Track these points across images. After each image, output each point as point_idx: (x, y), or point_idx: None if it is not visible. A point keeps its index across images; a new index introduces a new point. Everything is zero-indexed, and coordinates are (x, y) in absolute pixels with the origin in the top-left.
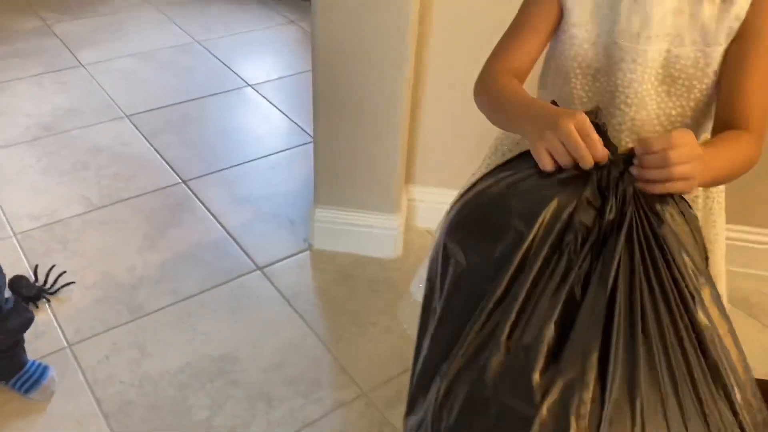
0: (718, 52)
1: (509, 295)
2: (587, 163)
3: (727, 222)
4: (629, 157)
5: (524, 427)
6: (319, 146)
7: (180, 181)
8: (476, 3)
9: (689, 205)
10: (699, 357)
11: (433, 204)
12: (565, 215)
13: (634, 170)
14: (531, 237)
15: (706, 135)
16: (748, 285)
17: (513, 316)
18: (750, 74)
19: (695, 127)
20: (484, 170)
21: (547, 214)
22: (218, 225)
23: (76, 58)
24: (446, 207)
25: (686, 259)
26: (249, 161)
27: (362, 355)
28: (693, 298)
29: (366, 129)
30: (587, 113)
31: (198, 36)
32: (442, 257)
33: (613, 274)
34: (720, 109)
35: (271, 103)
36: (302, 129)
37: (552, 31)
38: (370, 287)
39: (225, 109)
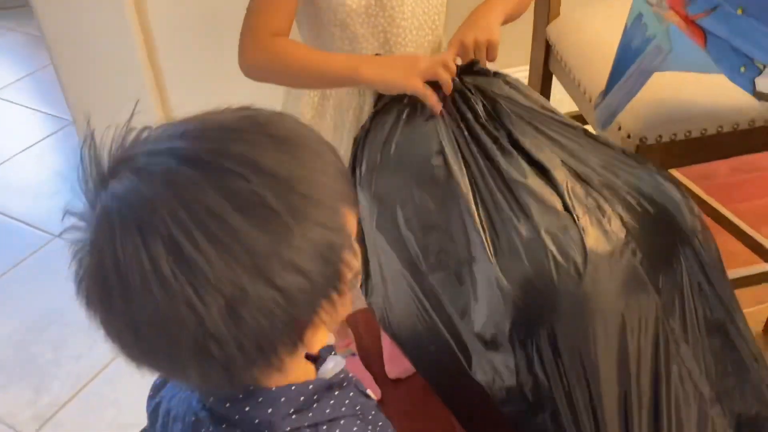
0: None
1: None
2: (453, 73)
3: None
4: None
5: None
6: (78, 119)
7: None
8: None
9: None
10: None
11: None
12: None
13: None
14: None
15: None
16: None
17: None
18: None
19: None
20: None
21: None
22: (1, 216)
23: None
24: None
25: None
26: (13, 156)
27: None
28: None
29: (113, 84)
30: None
31: None
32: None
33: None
34: None
35: (16, 103)
36: (54, 116)
37: None
38: None
39: None
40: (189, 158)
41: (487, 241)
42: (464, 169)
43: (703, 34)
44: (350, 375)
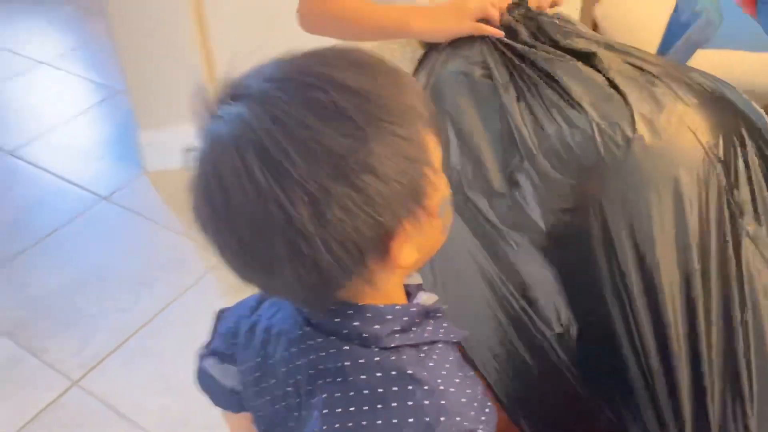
0: None
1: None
2: (502, 9)
3: None
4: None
5: None
6: (132, 86)
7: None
8: None
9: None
10: None
11: None
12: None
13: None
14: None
15: None
16: None
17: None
18: None
19: None
20: None
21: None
22: (53, 177)
23: None
24: None
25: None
26: (67, 121)
27: None
28: None
29: (166, 53)
30: None
31: None
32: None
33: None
34: None
35: (69, 72)
36: (104, 85)
37: None
38: None
39: (26, 88)
40: (278, 79)
41: (530, 135)
42: (505, 72)
43: (755, 2)
44: (444, 307)
